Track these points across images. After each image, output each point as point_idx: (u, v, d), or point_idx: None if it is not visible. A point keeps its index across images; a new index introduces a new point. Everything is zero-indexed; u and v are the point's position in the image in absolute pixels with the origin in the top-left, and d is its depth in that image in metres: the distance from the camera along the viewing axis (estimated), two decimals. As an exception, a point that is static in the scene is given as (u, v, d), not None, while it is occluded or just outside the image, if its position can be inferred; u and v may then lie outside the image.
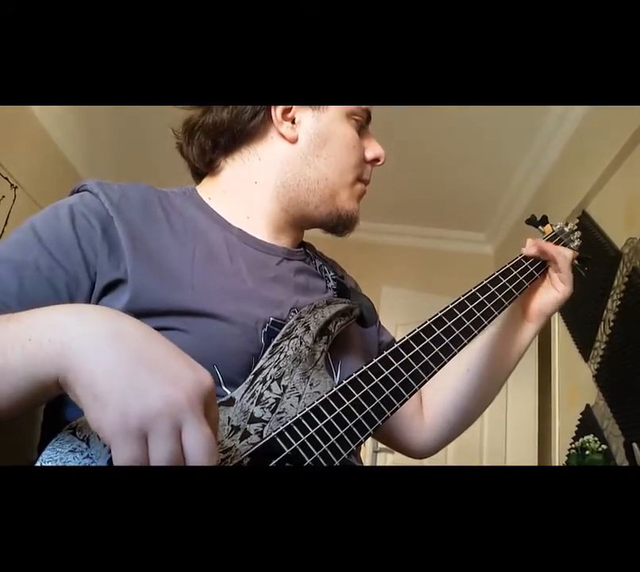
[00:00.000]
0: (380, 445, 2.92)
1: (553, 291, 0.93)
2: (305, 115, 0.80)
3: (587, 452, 1.91)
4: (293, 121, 0.79)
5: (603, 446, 1.93)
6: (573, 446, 2.04)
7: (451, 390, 0.93)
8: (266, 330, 0.68)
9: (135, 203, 0.71)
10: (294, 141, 0.79)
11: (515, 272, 0.88)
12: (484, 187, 3.30)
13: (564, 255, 0.92)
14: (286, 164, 0.79)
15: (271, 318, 0.69)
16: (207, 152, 0.81)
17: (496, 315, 0.82)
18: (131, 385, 0.44)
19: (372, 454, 3.02)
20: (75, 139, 3.12)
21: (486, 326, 0.79)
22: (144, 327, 0.50)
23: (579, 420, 2.22)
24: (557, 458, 2.41)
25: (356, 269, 1.11)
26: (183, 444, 0.45)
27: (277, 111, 0.79)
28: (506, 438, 3.07)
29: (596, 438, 1.94)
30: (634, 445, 1.77)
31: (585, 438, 1.97)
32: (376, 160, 0.85)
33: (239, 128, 0.79)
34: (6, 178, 2.52)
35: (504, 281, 0.85)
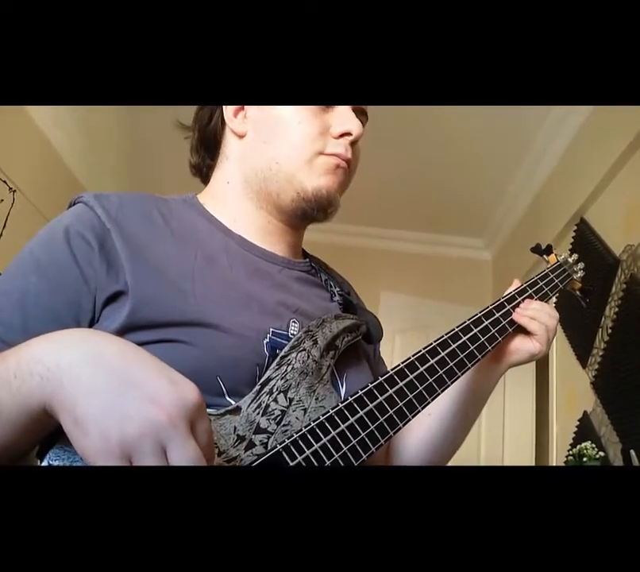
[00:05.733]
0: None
1: (529, 343, 0.87)
2: (253, 107, 0.79)
3: (584, 459, 1.91)
4: (245, 117, 0.80)
5: (601, 453, 1.93)
6: (571, 452, 2.04)
7: (413, 438, 0.87)
8: (268, 340, 0.68)
9: (133, 213, 0.71)
10: (244, 135, 0.79)
11: (509, 306, 0.86)
12: (482, 193, 3.30)
13: (528, 319, 0.85)
14: (244, 160, 0.79)
15: (271, 329, 0.69)
16: (202, 169, 0.85)
17: (503, 338, 0.82)
18: (110, 407, 0.44)
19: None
20: (73, 142, 3.11)
21: (490, 350, 0.79)
22: (124, 345, 0.50)
23: (576, 427, 2.22)
24: (555, 465, 2.41)
25: (355, 275, 1.11)
26: (168, 462, 0.44)
27: (228, 110, 0.79)
28: (503, 444, 3.07)
29: (594, 445, 1.94)
30: (632, 452, 1.77)
31: (583, 444, 1.97)
32: (346, 134, 0.77)
33: (204, 135, 0.82)
34: (5, 181, 2.52)
35: (498, 315, 0.84)
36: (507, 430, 3.08)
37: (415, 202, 3.44)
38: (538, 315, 0.86)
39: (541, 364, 2.84)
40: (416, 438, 0.87)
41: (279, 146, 0.76)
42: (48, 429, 0.51)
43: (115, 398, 0.45)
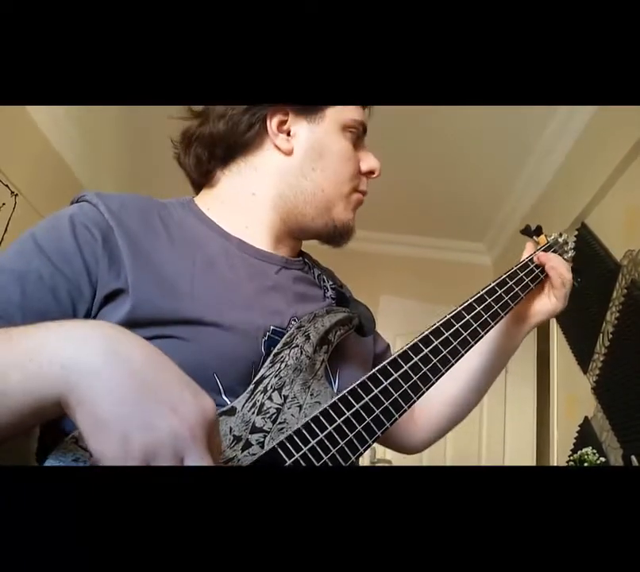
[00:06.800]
0: (379, 456, 2.91)
1: (546, 301, 0.96)
2: (300, 127, 0.80)
3: (585, 464, 1.91)
4: (288, 133, 0.80)
5: (602, 459, 1.92)
6: (571, 458, 2.03)
7: (442, 394, 0.96)
8: (266, 338, 0.68)
9: (134, 214, 0.71)
10: (289, 153, 0.80)
11: (511, 283, 0.89)
12: (483, 197, 3.30)
13: (558, 271, 0.95)
14: (282, 176, 0.80)
15: (272, 327, 0.70)
16: (203, 163, 0.83)
17: (493, 326, 0.82)
18: (134, 413, 0.44)
19: (370, 464, 3.01)
20: (75, 146, 3.12)
21: (483, 336, 0.80)
22: (145, 346, 0.50)
23: (577, 432, 2.21)
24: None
25: (355, 279, 1.12)
26: None
27: (273, 123, 0.80)
28: (504, 449, 3.06)
29: (595, 451, 1.94)
30: (633, 457, 1.76)
31: (583, 450, 1.96)
32: (371, 172, 0.86)
33: (234, 139, 0.80)
34: (7, 185, 2.52)
35: (500, 292, 0.86)
36: (508, 436, 3.07)
37: (416, 206, 3.44)
38: (559, 267, 0.95)
39: (542, 369, 2.84)
40: (444, 395, 0.96)
41: (328, 176, 0.81)
42: (47, 418, 0.50)
43: (140, 404, 0.44)
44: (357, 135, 0.84)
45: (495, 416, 3.03)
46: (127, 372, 0.46)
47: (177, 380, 0.48)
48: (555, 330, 2.60)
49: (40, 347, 0.47)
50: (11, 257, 0.65)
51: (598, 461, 1.90)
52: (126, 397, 0.45)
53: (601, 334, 2.16)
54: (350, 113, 0.82)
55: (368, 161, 0.85)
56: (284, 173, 0.80)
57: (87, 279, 0.64)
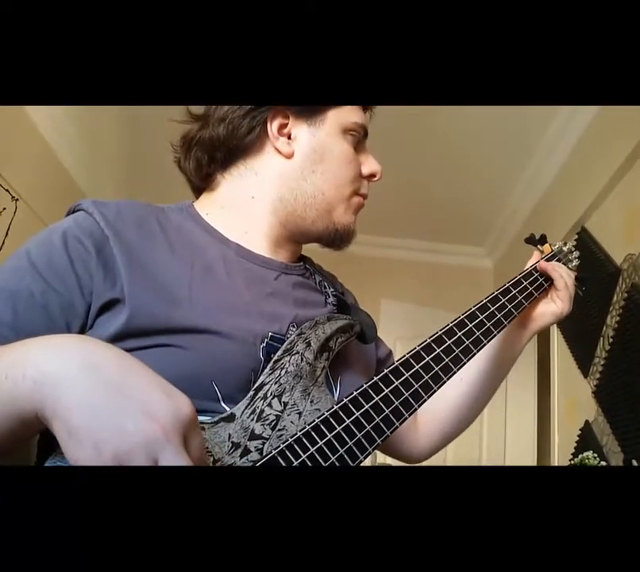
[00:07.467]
0: (379, 461, 2.90)
1: (552, 304, 0.96)
2: (301, 130, 0.80)
3: (586, 468, 1.90)
4: (289, 137, 0.80)
5: (603, 463, 1.91)
6: (572, 462, 2.03)
7: (445, 401, 0.95)
8: (265, 345, 0.68)
9: (131, 221, 0.71)
10: (290, 156, 0.80)
11: (515, 291, 0.88)
12: (484, 202, 3.31)
13: (560, 273, 0.95)
14: (283, 179, 0.80)
15: (270, 333, 0.69)
16: (203, 167, 0.82)
17: (496, 334, 0.82)
18: (105, 419, 0.44)
19: (369, 469, 3.01)
20: (76, 151, 3.12)
21: (486, 344, 0.79)
22: (121, 356, 0.50)
23: (578, 436, 2.21)
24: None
25: (356, 282, 1.11)
26: None
27: (273, 126, 0.79)
28: (505, 453, 3.06)
29: (595, 455, 1.93)
30: (634, 461, 1.76)
31: (584, 454, 1.96)
32: (372, 175, 0.85)
33: (235, 143, 0.79)
34: (7, 190, 2.52)
35: (504, 300, 0.85)
36: (509, 440, 3.07)
37: (417, 210, 3.44)
38: (561, 270, 0.95)
39: (543, 373, 2.84)
40: (448, 402, 0.95)
41: (329, 179, 0.80)
42: (34, 431, 0.50)
43: (111, 410, 0.45)
44: (358, 138, 0.83)
45: (495, 420, 3.02)
46: (99, 381, 0.46)
47: (150, 383, 0.47)
48: (555, 334, 2.59)
49: (15, 364, 0.48)
50: (5, 274, 0.65)
51: (598, 465, 1.90)
52: (97, 406, 0.45)
53: (601, 338, 2.16)
54: (351, 115, 0.82)
55: (370, 164, 0.85)
56: (285, 176, 0.80)
57: (80, 294, 0.64)
